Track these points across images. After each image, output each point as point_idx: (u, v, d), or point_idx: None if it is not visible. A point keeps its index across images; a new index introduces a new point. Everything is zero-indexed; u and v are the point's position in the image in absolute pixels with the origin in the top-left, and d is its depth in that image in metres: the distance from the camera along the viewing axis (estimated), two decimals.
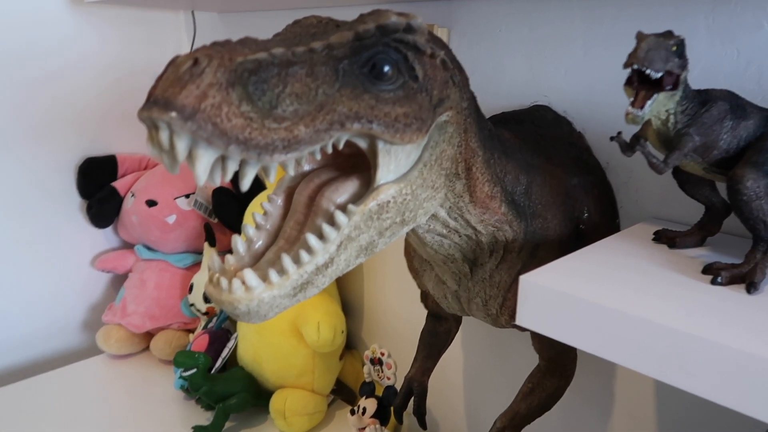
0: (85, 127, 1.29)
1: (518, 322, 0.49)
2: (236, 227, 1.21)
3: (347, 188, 0.51)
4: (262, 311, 0.45)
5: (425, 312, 0.83)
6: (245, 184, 0.43)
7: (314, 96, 0.43)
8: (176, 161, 0.42)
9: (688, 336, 0.39)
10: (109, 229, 1.35)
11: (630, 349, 0.42)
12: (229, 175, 0.42)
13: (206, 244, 1.21)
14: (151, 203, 1.22)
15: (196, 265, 1.27)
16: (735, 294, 0.46)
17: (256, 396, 1.04)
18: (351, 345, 1.15)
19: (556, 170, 0.65)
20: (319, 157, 0.45)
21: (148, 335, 1.25)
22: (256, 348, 1.04)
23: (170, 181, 1.25)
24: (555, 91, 0.74)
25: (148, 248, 1.28)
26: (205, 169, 0.40)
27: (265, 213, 0.53)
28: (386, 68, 0.47)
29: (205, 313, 1.17)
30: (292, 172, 0.44)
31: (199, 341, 1.09)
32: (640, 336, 0.41)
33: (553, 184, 0.64)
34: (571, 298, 0.45)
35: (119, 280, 1.36)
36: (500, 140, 0.61)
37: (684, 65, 0.43)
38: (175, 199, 1.23)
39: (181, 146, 0.39)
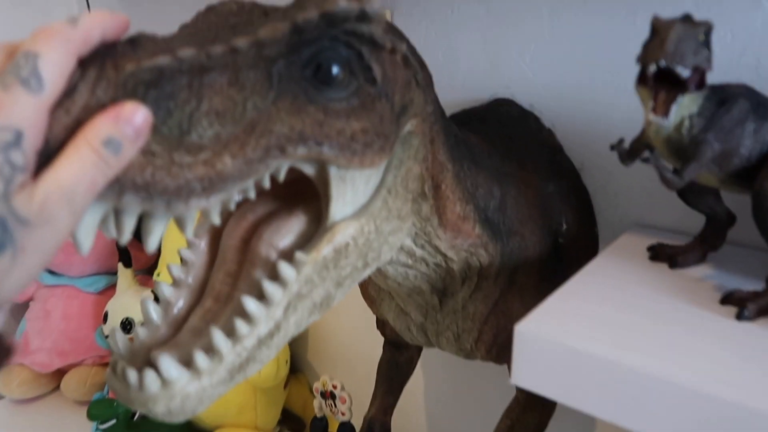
0: None
1: (513, 381, 0.40)
2: None
3: (291, 227, 0.39)
4: (188, 408, 0.33)
5: (377, 329, 0.73)
6: (151, 244, 0.31)
7: (242, 113, 0.32)
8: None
9: (738, 407, 0.31)
10: None
11: (659, 417, 0.34)
12: (126, 236, 0.29)
13: (120, 265, 1.06)
14: None
15: (110, 289, 1.10)
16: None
17: None
18: (296, 368, 1.03)
19: (531, 177, 0.56)
20: (253, 194, 0.34)
21: (59, 373, 1.08)
22: None
23: None
24: (518, 81, 0.65)
25: (51, 272, 1.11)
26: (89, 233, 0.28)
27: (185, 263, 0.41)
28: (335, 69, 0.35)
29: None
30: (217, 221, 0.33)
31: None
32: (675, 403, 0.33)
33: (529, 194, 0.55)
34: (580, 354, 0.36)
35: (17, 312, 1.18)
36: (467, 147, 0.51)
37: (711, 58, 0.35)
38: None
39: None
